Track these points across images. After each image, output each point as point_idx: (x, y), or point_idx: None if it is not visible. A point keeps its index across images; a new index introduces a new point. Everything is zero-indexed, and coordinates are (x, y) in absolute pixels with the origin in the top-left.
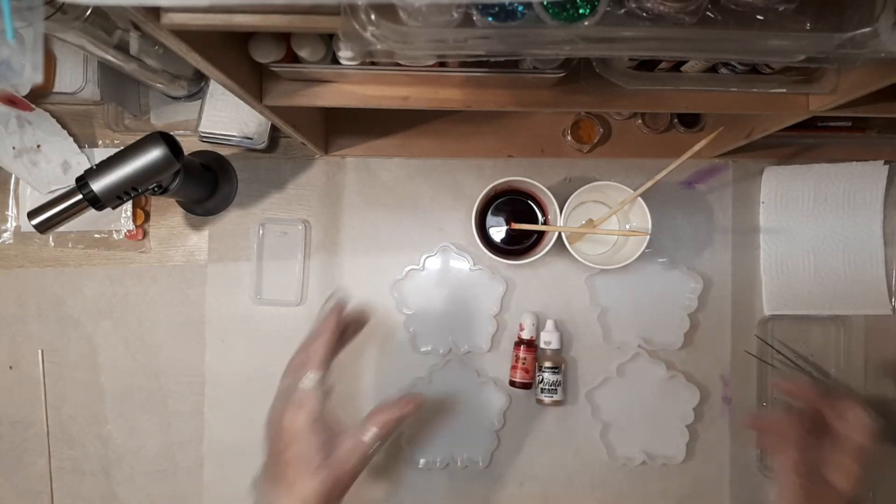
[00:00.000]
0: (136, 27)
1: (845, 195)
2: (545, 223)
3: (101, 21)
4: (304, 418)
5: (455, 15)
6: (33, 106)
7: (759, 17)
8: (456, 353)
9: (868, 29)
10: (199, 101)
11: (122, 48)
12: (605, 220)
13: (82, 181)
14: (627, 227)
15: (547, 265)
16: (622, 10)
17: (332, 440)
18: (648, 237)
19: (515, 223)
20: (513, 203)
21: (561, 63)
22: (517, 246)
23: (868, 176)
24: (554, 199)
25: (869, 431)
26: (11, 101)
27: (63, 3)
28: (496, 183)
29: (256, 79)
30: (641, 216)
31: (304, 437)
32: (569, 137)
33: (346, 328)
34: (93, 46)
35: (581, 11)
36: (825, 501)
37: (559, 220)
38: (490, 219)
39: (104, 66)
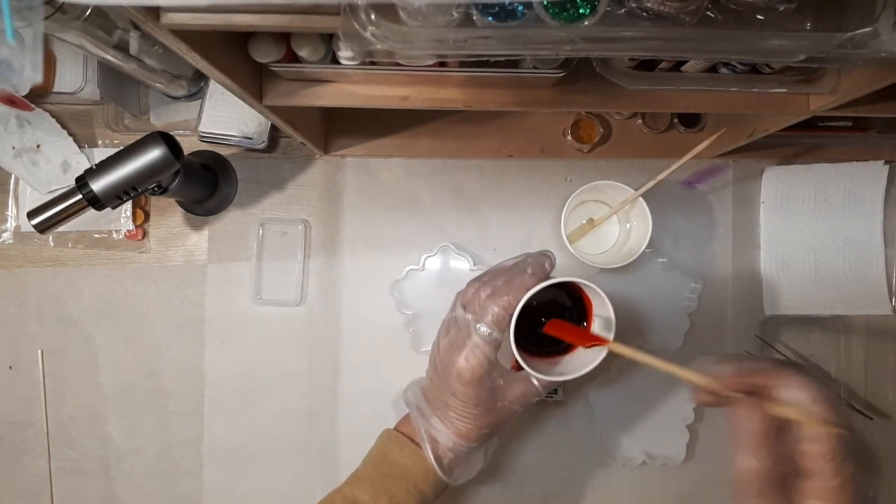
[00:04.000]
0: (136, 27)
1: (846, 195)
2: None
3: (101, 21)
4: (480, 363)
5: (455, 15)
6: (33, 106)
7: (759, 16)
8: None
9: (868, 29)
10: (199, 100)
11: (122, 48)
12: (606, 219)
13: (82, 181)
14: (628, 226)
15: None
16: (622, 10)
17: (501, 386)
18: (649, 236)
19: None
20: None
21: (561, 63)
22: (547, 348)
23: (868, 176)
24: (609, 305)
25: (823, 404)
26: (11, 101)
27: (63, 3)
28: (549, 282)
29: (256, 79)
30: (642, 216)
31: (477, 381)
32: (569, 137)
33: None
34: (92, 46)
35: (581, 11)
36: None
37: (612, 334)
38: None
39: (104, 66)
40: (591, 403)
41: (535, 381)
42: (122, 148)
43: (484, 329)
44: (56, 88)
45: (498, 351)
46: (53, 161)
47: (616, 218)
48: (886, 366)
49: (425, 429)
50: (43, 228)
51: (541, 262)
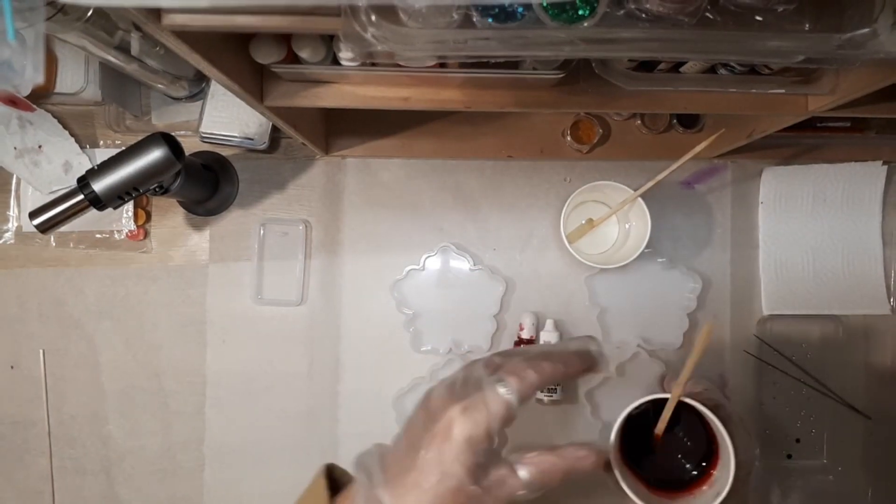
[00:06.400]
0: (138, 28)
1: (844, 195)
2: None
3: (103, 22)
4: (474, 426)
5: (455, 16)
6: (35, 106)
7: (757, 17)
8: (456, 353)
9: (867, 29)
10: (200, 101)
11: (124, 49)
12: (606, 219)
13: (83, 181)
14: (627, 226)
15: (547, 265)
16: (621, 12)
17: (484, 466)
18: (648, 236)
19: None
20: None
21: (560, 64)
22: (669, 480)
23: (867, 176)
24: (729, 442)
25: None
26: (13, 102)
27: (64, 4)
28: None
29: (257, 79)
30: (641, 216)
31: (459, 447)
32: (568, 138)
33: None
34: (94, 47)
35: (580, 12)
36: None
37: (730, 470)
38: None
39: (105, 67)
40: (591, 403)
41: (519, 472)
42: (123, 148)
43: (502, 388)
44: (57, 89)
45: (506, 426)
46: (55, 161)
47: (615, 218)
48: (886, 366)
49: (366, 499)
50: (44, 228)
51: (585, 343)
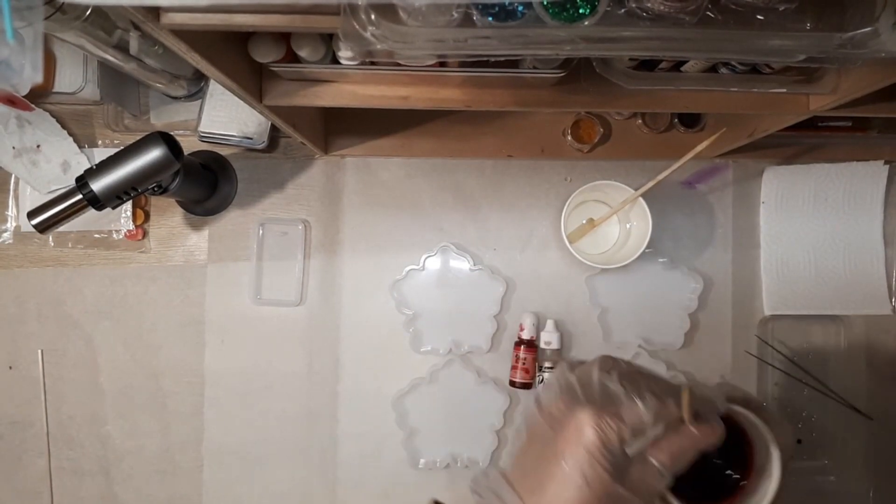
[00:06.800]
0: (136, 27)
1: (846, 195)
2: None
3: (101, 21)
4: (610, 430)
5: (455, 15)
6: (33, 106)
7: (759, 16)
8: (456, 353)
9: (869, 29)
10: (199, 100)
11: (122, 48)
12: (606, 219)
13: (82, 181)
14: (628, 226)
15: (547, 265)
16: (622, 10)
17: (623, 466)
18: (649, 236)
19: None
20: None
21: (561, 63)
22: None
23: (868, 176)
24: (774, 447)
25: None
26: (11, 101)
27: (63, 3)
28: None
29: (256, 79)
30: (642, 216)
31: (596, 450)
32: (569, 137)
33: None
34: (92, 46)
35: (581, 11)
36: None
37: (772, 484)
38: None
39: (104, 66)
40: None
41: (656, 462)
42: (122, 148)
43: (643, 405)
44: (56, 88)
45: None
46: (53, 161)
47: (616, 218)
48: (887, 366)
49: None
50: (43, 228)
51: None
